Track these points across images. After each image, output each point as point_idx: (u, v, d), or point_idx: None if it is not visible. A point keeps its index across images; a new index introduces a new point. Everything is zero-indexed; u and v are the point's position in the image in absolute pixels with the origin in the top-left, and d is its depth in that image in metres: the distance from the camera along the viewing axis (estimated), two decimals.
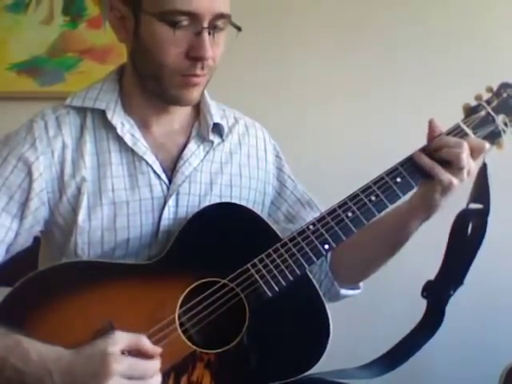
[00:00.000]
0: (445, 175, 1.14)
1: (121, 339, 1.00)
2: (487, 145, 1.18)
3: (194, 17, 1.10)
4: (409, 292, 1.34)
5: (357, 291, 1.35)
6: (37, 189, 1.17)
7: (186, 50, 1.12)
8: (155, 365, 1.01)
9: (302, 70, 2.11)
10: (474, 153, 1.16)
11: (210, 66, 1.15)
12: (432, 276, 1.22)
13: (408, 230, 1.22)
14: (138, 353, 1.00)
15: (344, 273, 1.31)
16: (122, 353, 0.98)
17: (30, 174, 1.17)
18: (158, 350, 1.03)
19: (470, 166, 1.15)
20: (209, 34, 1.12)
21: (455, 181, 1.14)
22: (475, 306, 2.02)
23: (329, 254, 1.32)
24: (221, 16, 1.13)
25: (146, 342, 1.02)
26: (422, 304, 1.22)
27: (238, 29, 1.17)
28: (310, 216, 1.30)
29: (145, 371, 1.00)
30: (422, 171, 1.16)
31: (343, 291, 1.32)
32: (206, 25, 1.11)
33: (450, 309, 1.21)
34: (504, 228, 1.80)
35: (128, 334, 1.01)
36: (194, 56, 1.12)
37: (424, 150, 1.18)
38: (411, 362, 1.21)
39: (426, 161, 1.16)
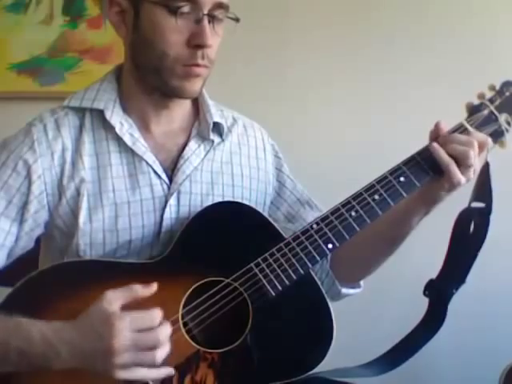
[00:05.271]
0: (458, 174, 1.13)
1: (114, 296, 1.00)
2: (490, 140, 1.17)
3: (195, 3, 1.12)
4: (411, 291, 1.34)
5: (358, 290, 1.34)
6: (36, 191, 1.17)
7: (186, 38, 1.14)
8: (160, 313, 1.01)
9: (302, 69, 2.11)
10: (478, 149, 1.15)
11: (209, 56, 1.16)
12: (434, 275, 1.22)
13: (408, 225, 1.21)
14: (136, 304, 1.00)
15: (345, 271, 1.31)
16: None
17: (28, 176, 1.16)
18: (154, 286, 1.03)
19: (477, 164, 1.15)
20: (209, 22, 1.13)
21: (463, 179, 1.14)
22: (475, 306, 2.01)
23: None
24: (220, 5, 1.15)
25: (138, 288, 1.02)
26: (424, 303, 1.22)
27: (237, 20, 1.18)
28: (310, 215, 1.30)
29: (152, 320, 1.00)
30: (435, 166, 1.15)
31: (344, 290, 1.31)
32: (206, 11, 1.13)
33: (451, 308, 1.21)
34: (506, 227, 1.80)
35: (118, 290, 1.01)
36: (195, 44, 1.13)
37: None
38: (412, 362, 1.21)
39: (444, 156, 1.14)
